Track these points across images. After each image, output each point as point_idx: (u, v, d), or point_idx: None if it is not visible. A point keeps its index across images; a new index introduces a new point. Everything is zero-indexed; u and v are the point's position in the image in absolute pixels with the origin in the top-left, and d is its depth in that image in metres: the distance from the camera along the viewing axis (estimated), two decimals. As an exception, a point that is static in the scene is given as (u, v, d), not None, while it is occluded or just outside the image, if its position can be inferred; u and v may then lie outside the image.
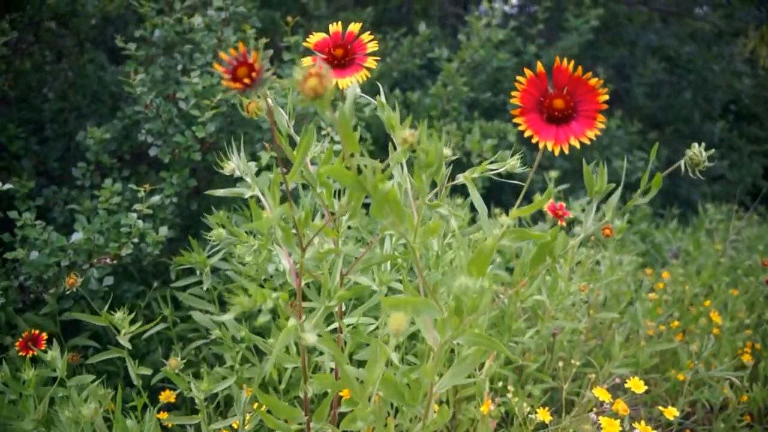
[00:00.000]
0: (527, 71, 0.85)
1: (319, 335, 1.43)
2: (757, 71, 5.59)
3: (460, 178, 1.16)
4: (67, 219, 2.42)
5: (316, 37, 1.06)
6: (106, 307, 1.93)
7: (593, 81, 0.82)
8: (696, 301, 2.50)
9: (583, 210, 2.93)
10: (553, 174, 3.80)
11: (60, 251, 1.94)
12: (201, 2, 2.76)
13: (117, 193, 2.19)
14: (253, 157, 2.43)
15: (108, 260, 1.88)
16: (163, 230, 2.11)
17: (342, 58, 1.00)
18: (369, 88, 3.69)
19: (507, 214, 2.73)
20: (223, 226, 1.09)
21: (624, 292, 2.38)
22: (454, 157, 1.29)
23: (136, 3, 2.14)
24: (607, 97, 0.82)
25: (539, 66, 0.85)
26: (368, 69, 1.05)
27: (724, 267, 2.72)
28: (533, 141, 0.84)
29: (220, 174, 2.53)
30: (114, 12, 3.57)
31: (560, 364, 1.83)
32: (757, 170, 5.81)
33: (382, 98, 1.19)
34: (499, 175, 1.28)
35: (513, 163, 1.16)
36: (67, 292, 1.62)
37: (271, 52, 2.28)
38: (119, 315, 1.51)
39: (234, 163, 1.05)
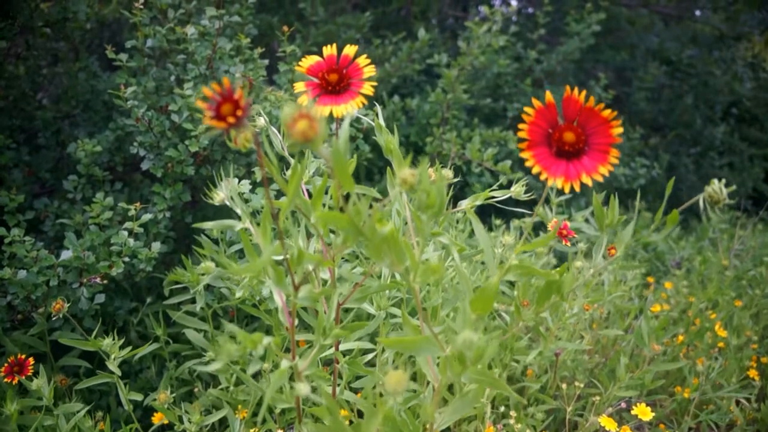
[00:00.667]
0: (535, 101, 0.80)
1: (318, 362, 1.37)
2: (758, 74, 5.54)
3: (463, 205, 1.11)
4: (59, 233, 2.37)
5: (308, 61, 1.00)
6: (98, 325, 1.88)
7: (606, 113, 0.77)
8: (701, 315, 2.44)
9: (587, 220, 2.87)
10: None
11: (49, 269, 1.88)
12: (196, 9, 2.70)
13: (109, 208, 2.14)
14: (249, 169, 2.37)
15: (98, 280, 1.82)
16: (156, 246, 2.05)
17: (336, 84, 0.94)
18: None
19: (508, 225, 2.66)
20: (212, 259, 1.03)
21: (628, 307, 2.32)
22: (455, 179, 1.24)
23: (128, 13, 2.08)
24: (621, 129, 0.76)
25: (548, 96, 0.79)
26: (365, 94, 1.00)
27: (728, 279, 2.67)
28: (542, 178, 0.78)
29: (216, 185, 2.49)
30: (110, 15, 3.52)
31: (564, 386, 1.78)
32: (758, 174, 5.76)
33: (380, 120, 1.14)
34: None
35: (518, 189, 1.10)
36: (54, 318, 1.56)
37: (266, 62, 2.22)
38: (107, 341, 1.45)
39: (223, 194, 1.00)
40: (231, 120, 0.65)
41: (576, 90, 0.78)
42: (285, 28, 2.19)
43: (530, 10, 5.56)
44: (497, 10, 3.43)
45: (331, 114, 0.91)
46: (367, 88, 0.93)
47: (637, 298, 2.81)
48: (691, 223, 4.83)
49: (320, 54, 3.16)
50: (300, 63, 0.99)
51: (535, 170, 0.78)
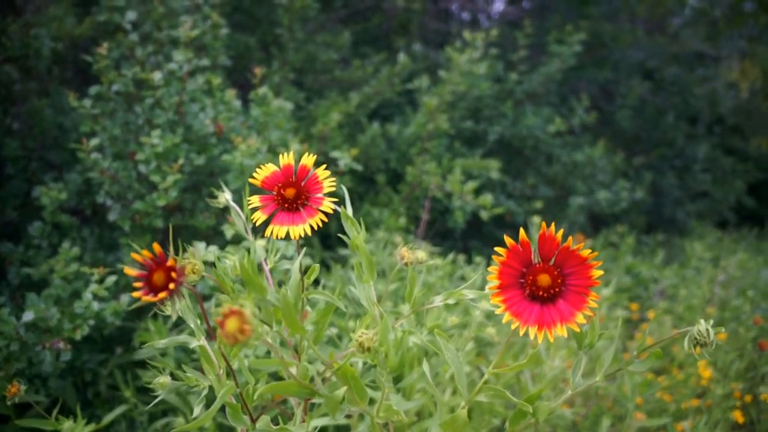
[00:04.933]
0: (508, 240, 0.73)
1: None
2: (738, 95, 5.53)
3: (436, 302, 1.04)
4: (24, 280, 2.28)
5: (264, 172, 0.92)
6: (66, 381, 1.80)
7: (585, 252, 0.71)
8: (686, 360, 2.40)
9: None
10: (538, 204, 3.71)
11: (11, 331, 1.80)
12: (168, 38, 2.61)
13: (75, 259, 2.05)
14: (223, 215, 2.29)
15: (61, 344, 1.74)
16: (125, 298, 1.98)
17: (294, 201, 0.86)
18: (346, 120, 3.56)
19: (491, 245, 2.58)
20: (171, 374, 0.96)
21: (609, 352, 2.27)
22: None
23: (90, 58, 1.99)
24: (601, 272, 0.70)
25: (522, 234, 0.73)
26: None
27: (714, 316, 2.63)
28: (512, 327, 0.72)
29: (187, 228, 2.41)
30: (86, 34, 3.41)
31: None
32: (740, 187, 5.75)
33: (348, 210, 1.07)
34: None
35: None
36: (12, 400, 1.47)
37: (239, 103, 2.13)
38: (68, 425, 1.37)
39: (177, 306, 0.92)
40: (163, 295, 0.58)
41: (553, 227, 0.71)
42: (257, 71, 2.11)
43: (513, 10, 5.53)
44: (478, 35, 3.37)
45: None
46: (327, 206, 0.86)
47: (623, 329, 2.76)
48: (673, 241, 4.81)
49: (298, 84, 3.06)
50: (255, 174, 0.92)
51: (506, 319, 0.72)
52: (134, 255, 0.61)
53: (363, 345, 0.64)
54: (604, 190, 3.80)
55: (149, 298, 0.59)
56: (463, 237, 3.81)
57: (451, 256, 2.42)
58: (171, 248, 0.62)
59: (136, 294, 0.60)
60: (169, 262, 0.60)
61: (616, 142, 5.14)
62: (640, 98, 5.14)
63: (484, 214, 2.78)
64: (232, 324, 0.55)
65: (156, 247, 0.61)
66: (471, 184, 2.85)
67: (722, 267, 3.01)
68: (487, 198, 2.76)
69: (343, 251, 2.59)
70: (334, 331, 1.80)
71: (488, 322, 1.82)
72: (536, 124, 3.78)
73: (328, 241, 3.37)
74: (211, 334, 0.70)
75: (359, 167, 2.23)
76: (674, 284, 3.29)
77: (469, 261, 2.93)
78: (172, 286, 0.59)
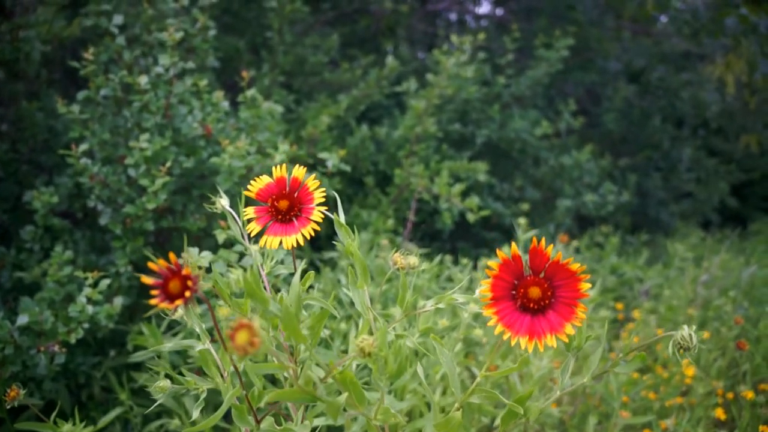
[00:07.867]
0: (500, 254, 0.77)
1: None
2: (724, 97, 5.62)
3: (428, 306, 1.08)
4: (16, 283, 2.29)
5: (258, 184, 0.96)
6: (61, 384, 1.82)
7: (575, 266, 0.74)
8: (670, 360, 2.46)
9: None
10: (525, 206, 3.76)
11: (6, 335, 1.81)
12: (157, 41, 2.63)
13: (68, 262, 2.07)
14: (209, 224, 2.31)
15: (56, 348, 1.76)
16: (118, 301, 2.00)
17: (287, 213, 0.90)
18: (335, 122, 3.59)
19: (478, 247, 2.61)
20: (170, 377, 0.99)
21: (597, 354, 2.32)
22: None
23: (77, 64, 2.01)
24: (589, 285, 0.74)
25: (514, 248, 0.76)
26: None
27: (695, 319, 2.69)
28: (504, 338, 0.75)
29: (178, 231, 2.43)
30: (74, 35, 3.41)
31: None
32: (723, 188, 5.84)
33: (341, 215, 1.10)
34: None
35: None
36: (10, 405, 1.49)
37: (226, 104, 2.14)
38: (68, 427, 1.40)
39: (181, 311, 0.96)
40: (179, 302, 0.62)
41: (543, 242, 0.75)
42: (245, 74, 2.14)
43: (501, 11, 5.58)
44: (466, 39, 3.41)
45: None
46: (317, 215, 0.90)
47: (609, 328, 2.81)
48: (657, 241, 4.88)
49: (288, 86, 3.10)
50: (249, 187, 0.96)
51: (497, 330, 0.76)
52: (151, 264, 0.64)
53: (364, 350, 0.68)
54: (591, 193, 3.86)
55: (166, 305, 0.63)
56: (450, 238, 3.85)
57: (438, 258, 2.46)
58: (187, 255, 0.66)
59: (153, 301, 0.64)
60: (185, 271, 0.64)
61: (603, 144, 5.21)
62: (627, 101, 5.21)
63: (471, 217, 2.83)
64: (242, 336, 0.59)
65: (172, 257, 0.64)
66: (458, 187, 2.90)
67: (705, 267, 3.08)
68: (474, 200, 2.80)
69: (330, 254, 2.63)
70: (326, 333, 1.83)
71: (476, 324, 1.86)
72: (523, 127, 3.84)
73: (317, 242, 3.40)
74: (222, 343, 0.73)
75: (347, 168, 2.26)
76: (659, 284, 3.36)
77: (456, 262, 2.98)
78: (188, 294, 0.63)
